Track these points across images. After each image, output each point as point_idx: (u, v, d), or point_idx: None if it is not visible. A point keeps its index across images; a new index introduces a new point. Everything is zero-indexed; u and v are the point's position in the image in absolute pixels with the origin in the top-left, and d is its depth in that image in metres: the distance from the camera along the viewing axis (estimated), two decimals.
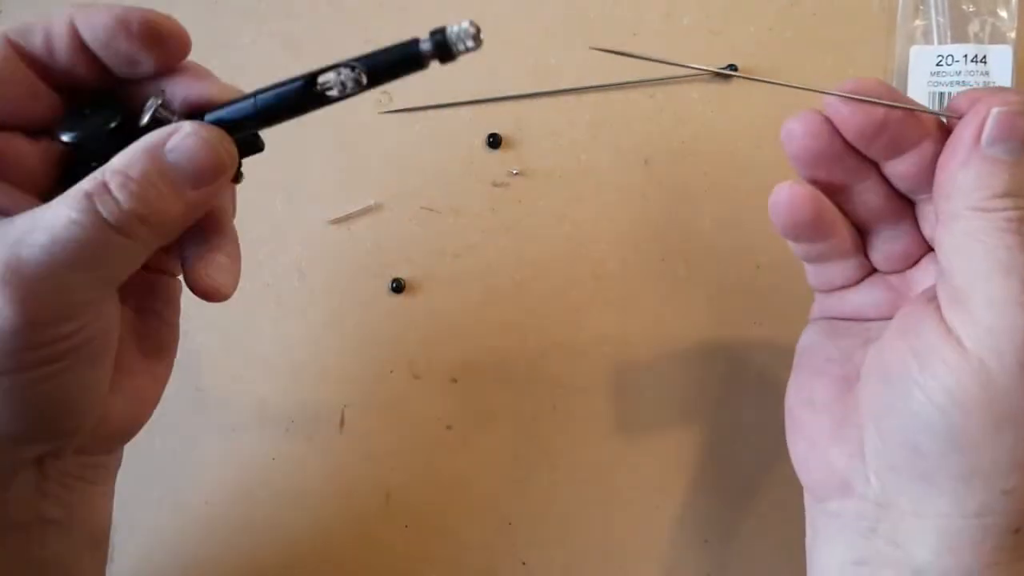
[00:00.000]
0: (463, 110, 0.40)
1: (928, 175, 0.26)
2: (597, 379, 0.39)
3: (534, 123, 0.40)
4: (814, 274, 0.30)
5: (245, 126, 0.25)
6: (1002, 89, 0.25)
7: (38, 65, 0.24)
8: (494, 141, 0.40)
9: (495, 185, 0.40)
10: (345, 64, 0.24)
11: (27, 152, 0.25)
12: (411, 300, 0.40)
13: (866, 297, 0.29)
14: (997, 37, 0.38)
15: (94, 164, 0.23)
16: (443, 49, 0.25)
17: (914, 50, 0.39)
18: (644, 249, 0.39)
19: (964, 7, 0.39)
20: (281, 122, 0.26)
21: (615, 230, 0.39)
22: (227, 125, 0.25)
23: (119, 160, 0.23)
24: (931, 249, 0.28)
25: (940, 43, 0.39)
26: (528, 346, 0.39)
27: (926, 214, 0.28)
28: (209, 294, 0.26)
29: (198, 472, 0.39)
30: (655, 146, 0.40)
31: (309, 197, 0.40)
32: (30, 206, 0.23)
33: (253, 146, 0.26)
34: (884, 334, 0.27)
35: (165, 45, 0.25)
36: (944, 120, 0.26)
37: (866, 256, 0.29)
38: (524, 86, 0.40)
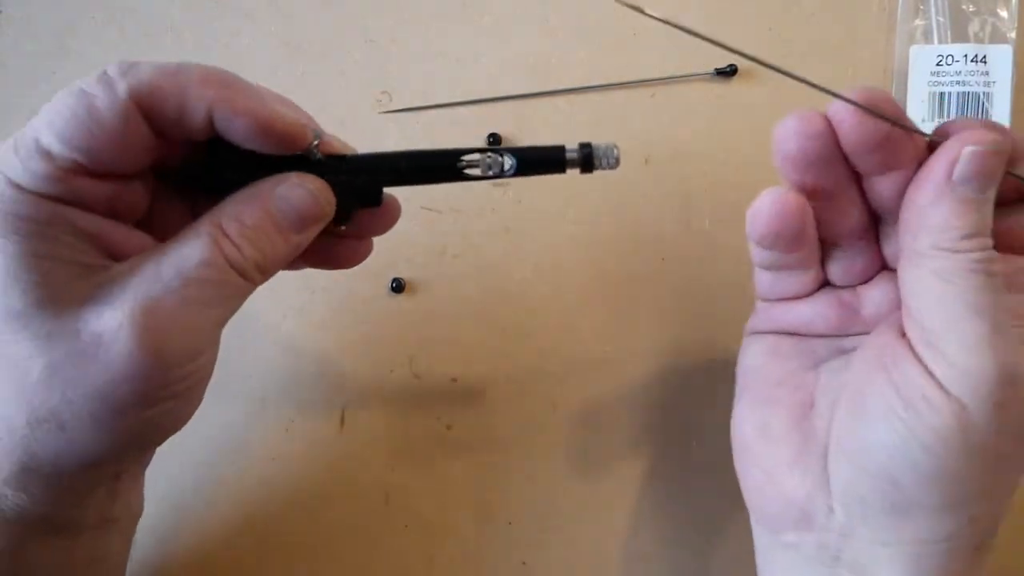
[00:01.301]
0: (463, 110, 0.40)
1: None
2: (598, 379, 0.39)
3: (534, 123, 0.40)
4: (769, 283, 0.30)
5: (380, 179, 0.27)
6: (976, 124, 0.24)
7: (157, 125, 0.24)
8: (494, 141, 0.40)
9: (495, 185, 0.40)
10: (495, 150, 0.26)
11: (136, 190, 0.25)
12: (411, 300, 0.40)
13: (816, 310, 0.29)
14: (997, 37, 0.38)
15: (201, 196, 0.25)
16: (587, 162, 0.27)
17: (914, 50, 0.39)
18: (644, 249, 0.39)
19: (964, 7, 0.39)
20: (412, 184, 0.27)
21: (615, 230, 0.39)
22: (363, 173, 0.27)
23: (234, 206, 0.25)
24: (886, 267, 0.28)
25: (940, 43, 0.39)
26: (528, 346, 0.39)
27: (888, 234, 0.27)
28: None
29: (198, 472, 0.39)
30: (655, 146, 0.40)
31: None
32: (137, 239, 0.24)
33: (375, 200, 0.28)
34: (853, 364, 0.26)
35: (296, 144, 0.26)
36: (931, 144, 0.25)
37: (823, 268, 0.29)
38: (524, 86, 0.40)
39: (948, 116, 0.38)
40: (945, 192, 0.23)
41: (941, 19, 0.39)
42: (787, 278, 0.29)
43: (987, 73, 0.38)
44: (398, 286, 0.39)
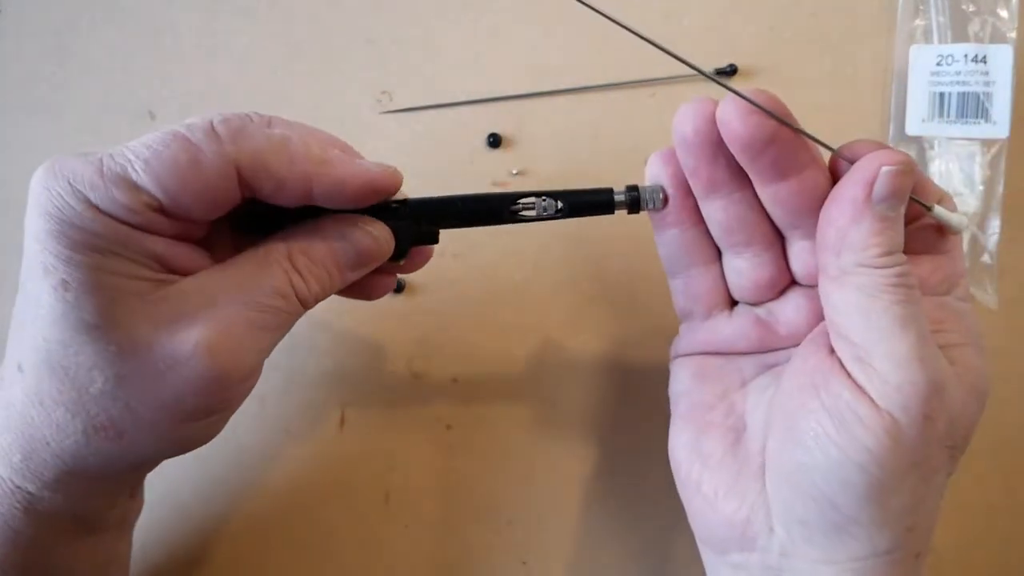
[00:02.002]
0: (463, 110, 0.40)
1: (806, 206, 0.26)
2: (597, 379, 0.39)
3: (534, 123, 0.40)
4: (681, 289, 0.30)
5: (437, 222, 0.28)
6: (880, 145, 0.25)
7: (249, 191, 0.25)
8: (494, 141, 0.40)
9: (495, 185, 0.40)
10: (550, 194, 0.28)
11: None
12: (411, 300, 0.40)
13: (735, 329, 0.29)
14: (997, 37, 0.38)
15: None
16: (634, 205, 0.29)
17: (914, 50, 0.39)
18: (644, 249, 0.39)
19: (964, 7, 0.39)
20: (468, 226, 0.29)
21: (615, 230, 0.39)
22: (423, 217, 0.28)
23: (303, 240, 0.26)
24: (795, 282, 0.29)
25: (940, 43, 0.39)
26: (528, 346, 0.39)
27: (797, 251, 0.28)
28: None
29: (198, 472, 0.39)
30: (655, 146, 0.40)
31: None
32: (194, 255, 0.25)
33: (431, 238, 0.29)
34: (782, 384, 0.27)
35: (388, 195, 0.27)
36: (835, 160, 0.26)
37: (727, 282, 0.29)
38: (524, 86, 0.40)
39: (948, 116, 0.38)
40: (864, 211, 0.24)
41: (941, 19, 0.39)
42: (692, 282, 0.29)
43: (987, 73, 0.38)
44: (398, 286, 0.39)
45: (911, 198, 0.25)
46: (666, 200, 0.28)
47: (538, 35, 0.40)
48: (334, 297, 0.40)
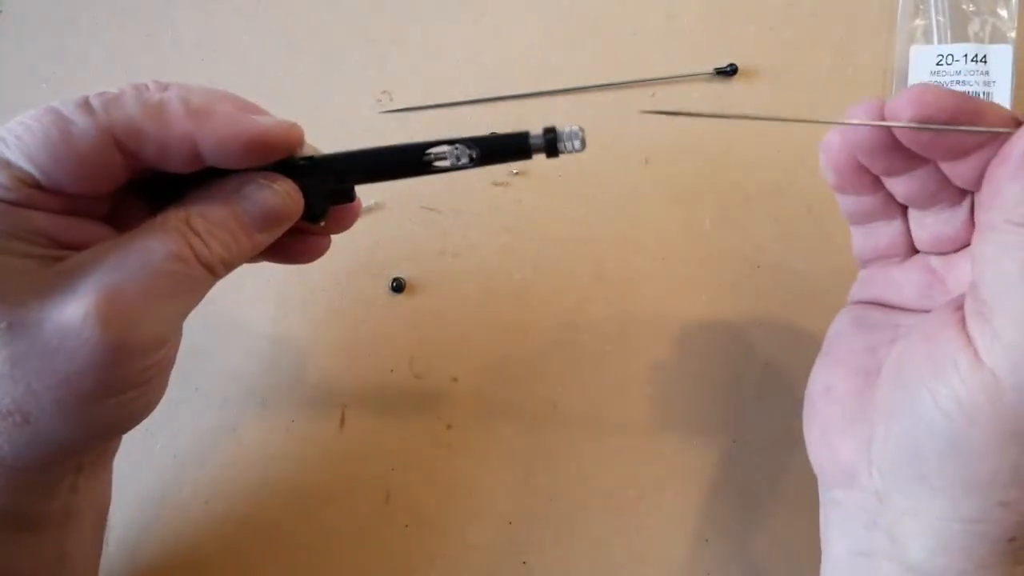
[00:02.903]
0: (463, 110, 0.40)
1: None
2: (597, 379, 0.39)
3: (534, 123, 0.40)
4: (861, 238, 0.30)
5: (348, 177, 0.27)
6: None
7: (132, 160, 0.24)
8: None
9: (495, 185, 0.40)
10: (461, 141, 0.27)
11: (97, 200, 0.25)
12: (411, 300, 0.40)
13: (906, 275, 0.29)
14: (997, 37, 0.38)
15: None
16: (551, 147, 0.27)
17: (914, 50, 0.39)
18: (644, 249, 0.39)
19: (964, 7, 0.39)
20: (383, 180, 0.27)
21: (615, 230, 0.39)
22: (331, 172, 0.27)
23: (202, 202, 0.25)
24: None
25: (940, 43, 0.39)
26: (528, 346, 0.39)
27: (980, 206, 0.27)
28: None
29: (198, 472, 0.39)
30: (655, 146, 0.40)
31: None
32: (94, 230, 0.24)
33: (345, 196, 0.28)
34: (910, 335, 0.26)
35: (287, 151, 0.26)
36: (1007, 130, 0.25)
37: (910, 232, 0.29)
38: (524, 86, 0.40)
39: None
40: (1022, 169, 0.23)
41: (941, 19, 0.39)
42: (875, 230, 0.29)
43: (987, 73, 0.38)
44: (398, 286, 0.39)
45: None
46: (584, 138, 0.27)
47: (538, 35, 0.40)
48: (334, 297, 0.40)
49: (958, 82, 0.38)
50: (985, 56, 0.38)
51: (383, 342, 0.39)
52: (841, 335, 0.30)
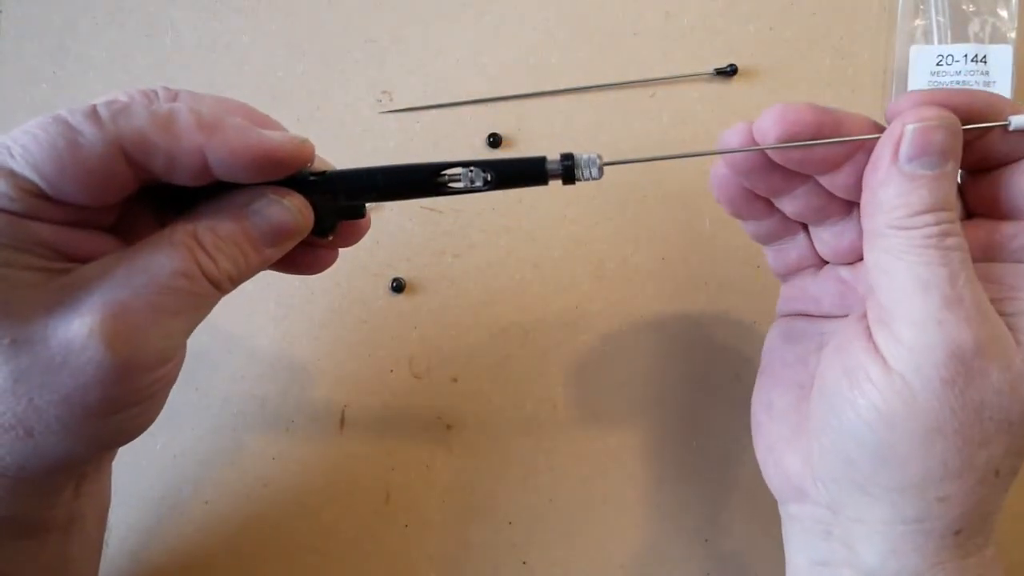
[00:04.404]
0: (463, 110, 0.40)
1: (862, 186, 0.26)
2: (597, 379, 0.39)
3: (534, 123, 0.40)
4: (772, 257, 0.31)
5: (359, 194, 0.27)
6: (922, 100, 0.24)
7: (142, 172, 0.23)
8: (494, 141, 0.40)
9: None
10: (476, 164, 0.26)
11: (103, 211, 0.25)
12: (411, 300, 0.40)
13: (821, 286, 0.30)
14: (997, 37, 0.38)
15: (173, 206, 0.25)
16: (569, 174, 0.26)
17: (914, 50, 0.39)
18: (644, 249, 0.39)
19: (964, 7, 0.39)
20: (395, 199, 0.27)
21: (615, 230, 0.39)
22: (342, 189, 0.26)
23: (210, 217, 0.24)
24: None
25: (940, 43, 0.39)
26: (528, 346, 0.39)
27: None
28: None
29: (198, 472, 0.39)
30: (655, 146, 0.40)
31: None
32: (100, 242, 0.24)
33: (355, 212, 0.28)
34: (828, 344, 0.27)
35: (297, 166, 0.25)
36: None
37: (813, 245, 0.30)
38: (524, 86, 0.40)
39: None
40: (893, 171, 0.24)
41: (941, 19, 0.39)
42: (785, 248, 0.30)
43: (987, 73, 0.38)
44: (398, 286, 0.39)
45: (978, 127, 0.24)
46: (602, 171, 0.27)
47: (538, 35, 0.40)
48: (334, 297, 0.40)
49: (958, 82, 0.38)
50: (985, 56, 0.38)
51: (383, 342, 0.39)
52: (774, 350, 0.31)
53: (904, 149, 0.23)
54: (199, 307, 0.24)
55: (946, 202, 0.23)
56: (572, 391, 0.39)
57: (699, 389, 0.39)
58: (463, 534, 0.39)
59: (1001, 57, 0.38)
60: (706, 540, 0.38)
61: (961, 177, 0.27)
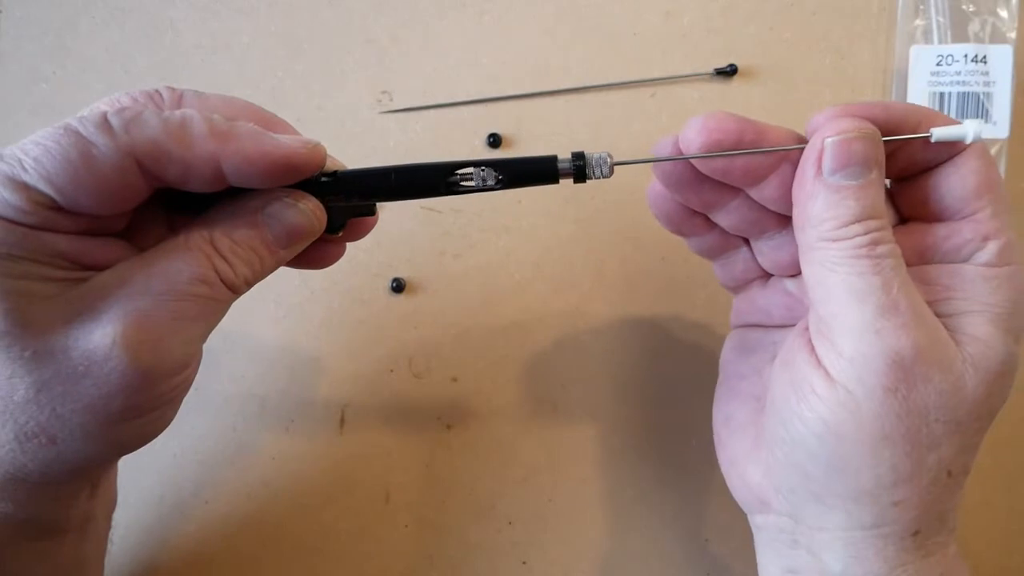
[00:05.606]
0: (463, 110, 0.40)
1: (791, 197, 0.26)
2: (597, 379, 0.39)
3: (534, 123, 0.40)
4: (719, 271, 0.31)
5: (372, 195, 0.27)
6: (839, 113, 0.24)
7: (156, 180, 0.23)
8: (494, 141, 0.40)
9: None
10: (488, 163, 0.26)
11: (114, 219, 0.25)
12: (411, 300, 0.40)
13: (768, 298, 0.30)
14: (997, 37, 0.38)
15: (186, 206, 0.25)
16: (580, 173, 0.26)
17: (914, 50, 0.39)
18: (644, 249, 0.39)
19: (964, 7, 0.39)
20: (404, 199, 0.27)
21: (615, 230, 0.39)
22: (355, 190, 0.26)
23: (225, 222, 0.24)
24: None
25: (940, 43, 0.39)
26: (528, 346, 0.39)
27: None
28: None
29: (198, 472, 0.39)
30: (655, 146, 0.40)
31: None
32: (114, 249, 0.24)
33: (367, 211, 0.28)
34: (776, 358, 0.27)
35: (312, 171, 0.25)
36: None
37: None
38: (524, 86, 0.40)
39: (948, 116, 0.38)
40: (818, 185, 0.24)
41: (941, 19, 0.39)
42: (729, 262, 0.30)
43: (987, 73, 0.38)
44: (398, 286, 0.39)
45: (901, 138, 0.24)
46: (612, 169, 0.27)
47: (538, 35, 0.40)
48: (334, 297, 0.40)
49: (958, 82, 0.38)
50: (985, 56, 0.38)
51: (383, 342, 0.39)
52: (730, 362, 0.31)
53: (826, 162, 0.24)
54: (217, 312, 0.25)
55: (874, 211, 0.24)
56: (572, 391, 0.39)
57: (698, 389, 0.39)
58: (463, 534, 0.39)
59: (1001, 57, 0.38)
60: (706, 540, 0.38)
61: (891, 184, 0.27)
